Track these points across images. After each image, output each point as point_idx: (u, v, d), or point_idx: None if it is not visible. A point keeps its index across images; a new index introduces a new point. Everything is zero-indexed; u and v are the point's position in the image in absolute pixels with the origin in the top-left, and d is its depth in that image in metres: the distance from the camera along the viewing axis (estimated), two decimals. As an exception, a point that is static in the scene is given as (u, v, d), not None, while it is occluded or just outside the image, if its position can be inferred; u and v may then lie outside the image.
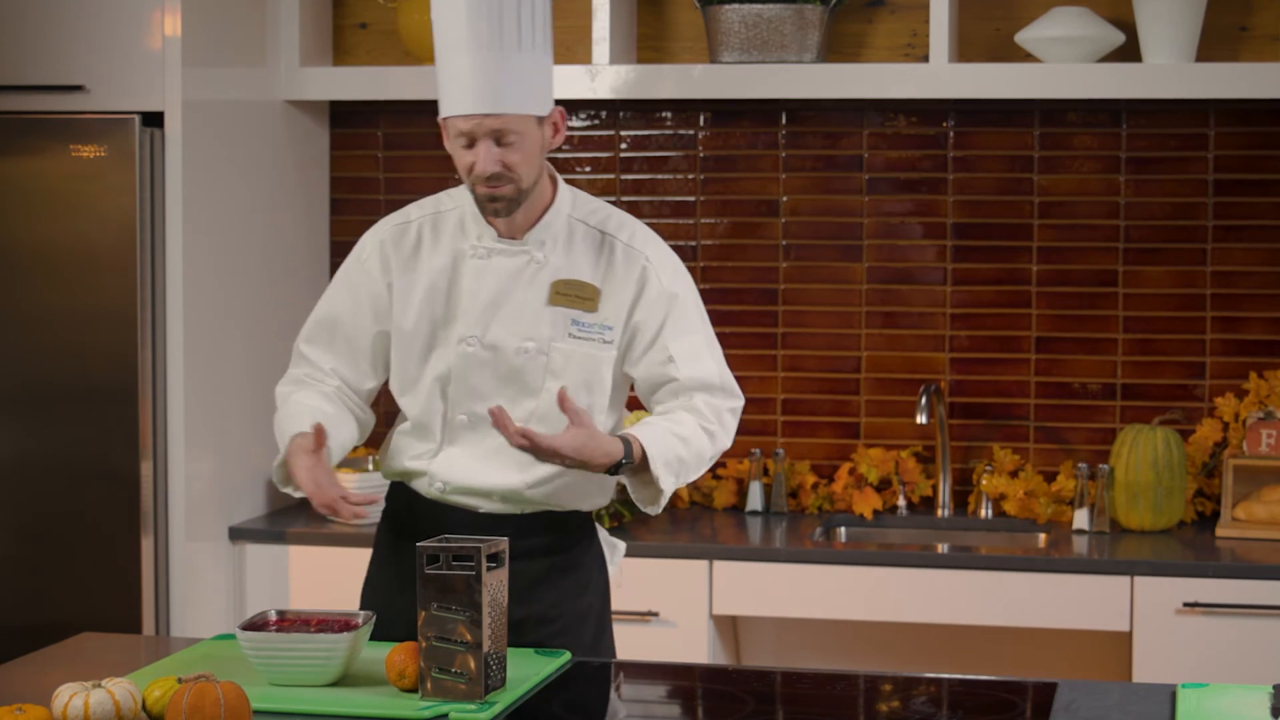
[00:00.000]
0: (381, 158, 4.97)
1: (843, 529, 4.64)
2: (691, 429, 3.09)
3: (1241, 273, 4.59)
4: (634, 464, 3.02)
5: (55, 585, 4.30)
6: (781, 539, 4.40)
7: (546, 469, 3.09)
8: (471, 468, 3.13)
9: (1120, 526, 4.45)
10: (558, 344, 3.10)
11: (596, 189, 4.76)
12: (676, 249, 3.25)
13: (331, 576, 4.36)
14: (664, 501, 3.10)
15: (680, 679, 3.11)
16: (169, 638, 3.85)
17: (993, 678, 2.97)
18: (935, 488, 4.67)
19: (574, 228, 3.14)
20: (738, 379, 3.20)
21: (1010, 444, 4.70)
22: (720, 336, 3.23)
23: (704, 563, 4.25)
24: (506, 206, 3.05)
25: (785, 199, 4.78)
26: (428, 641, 2.70)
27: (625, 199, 4.81)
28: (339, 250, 4.94)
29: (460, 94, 3.00)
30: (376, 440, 4.08)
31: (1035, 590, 4.14)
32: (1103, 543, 4.31)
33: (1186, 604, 4.05)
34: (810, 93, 4.49)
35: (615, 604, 3.32)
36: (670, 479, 3.05)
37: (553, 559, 3.17)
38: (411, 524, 3.15)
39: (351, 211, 4.98)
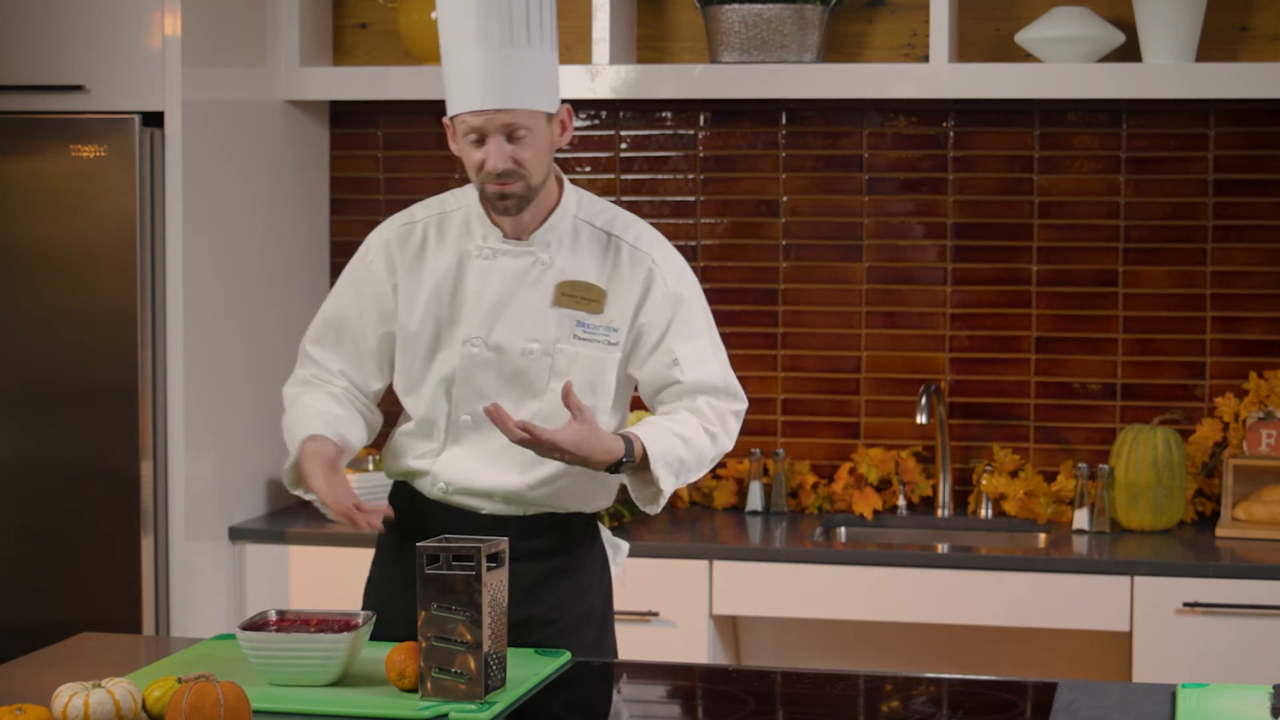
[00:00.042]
0: (381, 158, 4.97)
1: (843, 529, 4.64)
2: (694, 430, 3.09)
3: (1241, 273, 4.59)
4: (634, 463, 3.02)
5: (55, 585, 4.30)
6: (781, 539, 4.40)
7: (548, 470, 3.09)
8: (474, 468, 3.12)
9: (1120, 526, 4.45)
10: (562, 345, 3.10)
11: (596, 189, 4.76)
12: (676, 249, 3.25)
13: (331, 576, 4.36)
14: (663, 501, 3.10)
15: (680, 679, 3.11)
16: (169, 638, 3.85)
17: (993, 678, 2.97)
18: (935, 488, 4.67)
19: (579, 229, 3.14)
20: (738, 379, 3.20)
21: (1010, 444, 4.70)
22: (720, 336, 3.23)
23: (704, 563, 4.25)
24: (517, 204, 3.05)
25: (785, 199, 4.78)
26: (428, 641, 2.70)
27: (625, 199, 4.81)
28: (339, 250, 4.94)
29: (471, 90, 2.99)
30: (379, 440, 4.07)
31: (1035, 590, 4.14)
32: (1103, 543, 4.31)
33: (1186, 604, 4.05)
34: (810, 93, 4.49)
35: (615, 604, 3.31)
36: (670, 479, 3.05)
37: (555, 561, 3.17)
38: (414, 524, 3.15)
39: (351, 211, 4.98)
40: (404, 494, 3.23)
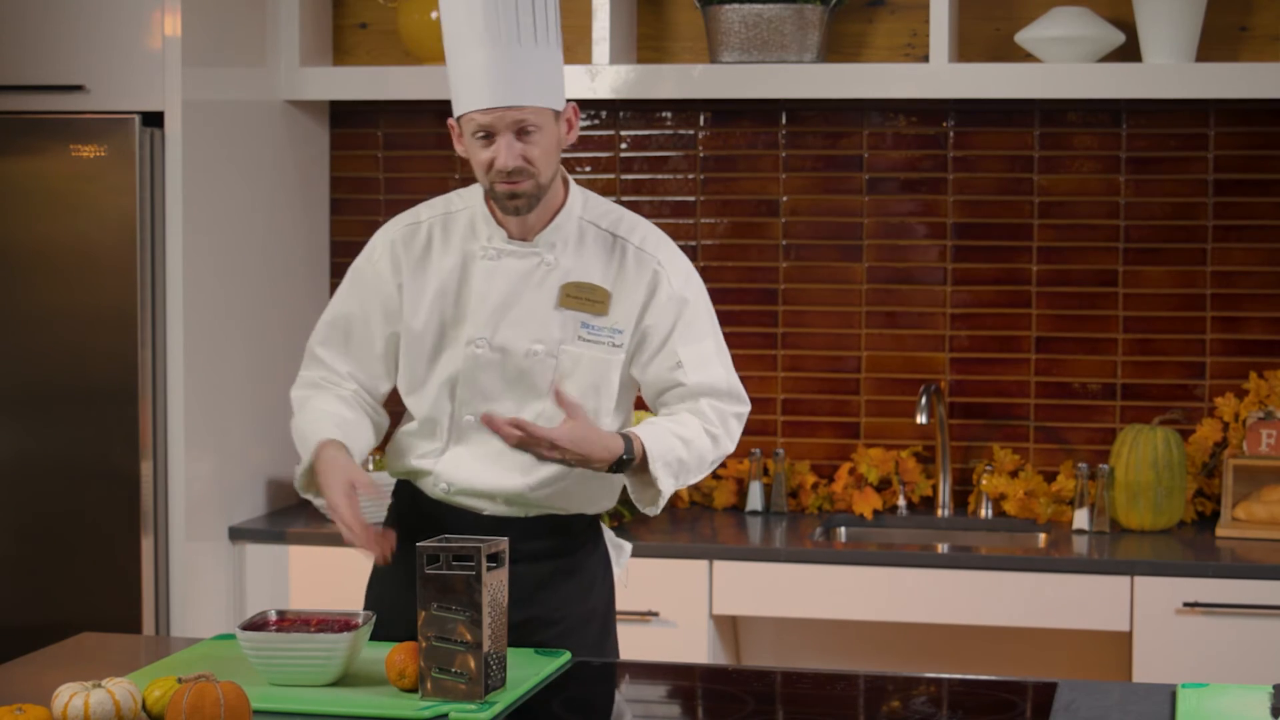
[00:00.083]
0: (381, 158, 4.97)
1: (843, 529, 4.64)
2: (694, 431, 3.08)
3: (1241, 273, 4.59)
4: (634, 461, 3.01)
5: (55, 585, 4.30)
6: (781, 539, 4.40)
7: (550, 471, 3.08)
8: (476, 469, 3.12)
9: (1120, 526, 4.45)
10: (567, 347, 3.09)
11: (596, 189, 4.76)
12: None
13: (331, 576, 4.36)
14: (663, 503, 3.09)
15: (680, 679, 3.11)
16: (169, 638, 3.85)
17: (993, 678, 2.97)
18: (935, 488, 4.67)
19: (585, 230, 3.13)
20: (739, 380, 3.20)
21: (1010, 444, 4.70)
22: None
23: (704, 563, 4.25)
24: (527, 203, 3.04)
25: (785, 199, 4.78)
26: (428, 641, 2.70)
27: (625, 199, 4.81)
28: (339, 250, 4.94)
29: (479, 88, 2.99)
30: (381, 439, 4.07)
31: (1035, 590, 4.14)
32: (1103, 543, 4.31)
33: (1186, 604, 4.05)
34: (810, 93, 4.49)
35: (616, 604, 3.31)
36: (670, 480, 3.04)
37: (556, 562, 3.17)
38: (416, 524, 3.14)
39: (351, 211, 4.98)
40: (406, 493, 3.22)
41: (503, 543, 2.76)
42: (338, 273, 4.92)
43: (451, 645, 2.69)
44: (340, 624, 2.85)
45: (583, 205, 3.15)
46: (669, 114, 4.81)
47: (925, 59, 4.54)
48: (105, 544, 4.27)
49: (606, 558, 3.26)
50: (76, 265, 4.26)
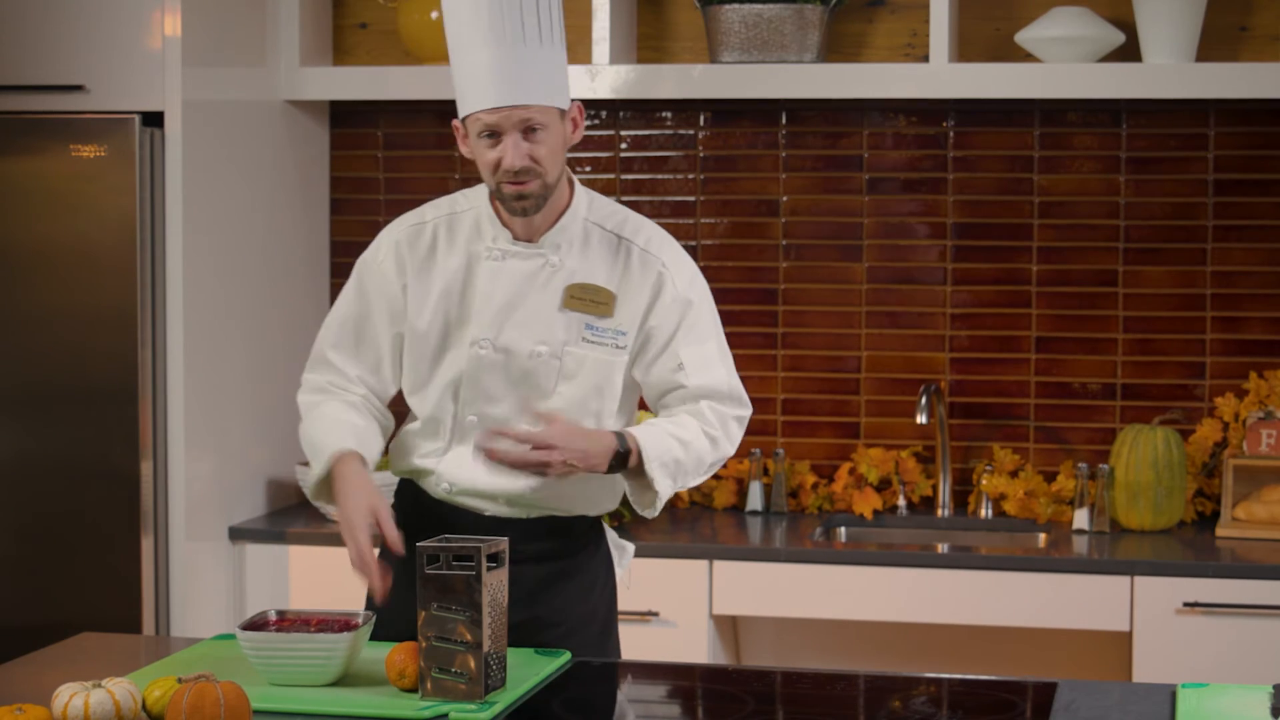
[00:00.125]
0: (381, 158, 4.97)
1: (843, 529, 4.64)
2: (693, 433, 3.08)
3: (1241, 273, 4.59)
4: (631, 456, 3.00)
5: (55, 585, 4.30)
6: (781, 539, 4.40)
7: None
8: (478, 469, 3.11)
9: (1120, 526, 4.45)
10: (570, 348, 3.09)
11: (596, 189, 4.72)
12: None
13: (331, 576, 4.35)
14: (660, 505, 3.09)
15: (680, 679, 3.11)
16: (169, 638, 3.85)
17: (993, 678, 2.97)
18: (935, 488, 4.67)
19: (590, 231, 3.13)
20: (740, 381, 3.19)
21: (1010, 444, 4.70)
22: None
23: (704, 563, 4.25)
24: (534, 204, 3.03)
25: (785, 199, 4.78)
26: (428, 641, 2.70)
27: (625, 199, 4.81)
28: (339, 250, 4.94)
29: (485, 89, 2.98)
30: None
31: (1035, 590, 4.14)
32: (1103, 543, 4.31)
33: (1186, 604, 4.05)
34: (810, 93, 4.49)
35: (618, 605, 3.31)
36: (667, 481, 3.04)
37: (558, 564, 3.17)
38: (418, 523, 3.14)
39: (351, 211, 4.98)
40: (409, 493, 3.22)
41: (503, 543, 2.76)
42: (338, 273, 4.92)
43: (451, 645, 2.69)
44: (340, 624, 2.85)
45: (588, 206, 3.15)
46: (669, 114, 4.81)
47: (925, 59, 4.54)
48: (105, 544, 4.27)
49: (609, 559, 3.26)
50: (76, 265, 4.26)
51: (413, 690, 2.75)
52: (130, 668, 2.95)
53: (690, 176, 4.81)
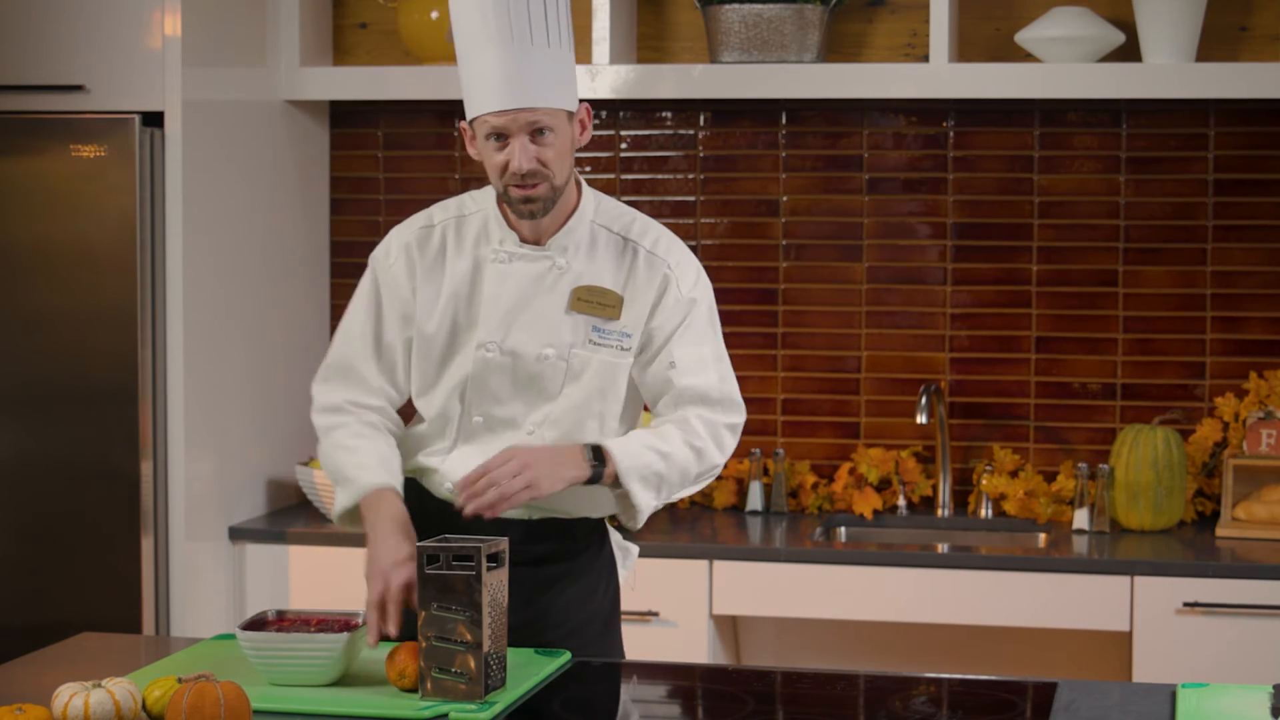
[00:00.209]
0: (381, 158, 4.97)
1: (843, 529, 4.64)
2: (675, 445, 3.04)
3: (1241, 273, 4.59)
4: (604, 456, 2.98)
5: (55, 585, 4.30)
6: (781, 539, 4.40)
7: None
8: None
9: (1120, 526, 4.45)
10: (577, 350, 3.08)
11: (596, 189, 4.75)
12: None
13: (331, 576, 4.36)
14: (642, 519, 3.07)
15: (680, 679, 3.11)
16: (169, 638, 3.85)
17: (993, 678, 2.97)
18: (935, 488, 4.67)
19: (597, 233, 3.12)
20: (738, 379, 3.18)
21: (1010, 444, 4.70)
22: (724, 341, 3.21)
23: (704, 563, 4.25)
24: (542, 207, 3.02)
25: (785, 199, 4.78)
26: (428, 641, 2.70)
27: (625, 199, 4.81)
28: (339, 250, 4.94)
29: (492, 91, 2.97)
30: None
31: (1035, 590, 4.14)
32: (1103, 543, 4.31)
33: (1186, 604, 4.05)
34: (810, 93, 4.49)
35: (620, 607, 3.30)
36: (647, 494, 3.01)
37: (561, 565, 3.16)
38: (421, 522, 3.13)
39: (351, 211, 4.98)
40: (413, 492, 3.22)
41: (503, 543, 2.76)
42: (338, 273, 4.92)
43: (451, 645, 2.69)
44: (340, 624, 2.85)
45: (595, 208, 3.14)
46: (669, 114, 4.81)
47: (925, 59, 4.54)
48: (105, 544, 4.27)
49: (612, 560, 3.25)
50: (76, 265, 4.26)
51: (413, 690, 2.75)
52: (130, 668, 2.95)
53: (690, 176, 4.81)
